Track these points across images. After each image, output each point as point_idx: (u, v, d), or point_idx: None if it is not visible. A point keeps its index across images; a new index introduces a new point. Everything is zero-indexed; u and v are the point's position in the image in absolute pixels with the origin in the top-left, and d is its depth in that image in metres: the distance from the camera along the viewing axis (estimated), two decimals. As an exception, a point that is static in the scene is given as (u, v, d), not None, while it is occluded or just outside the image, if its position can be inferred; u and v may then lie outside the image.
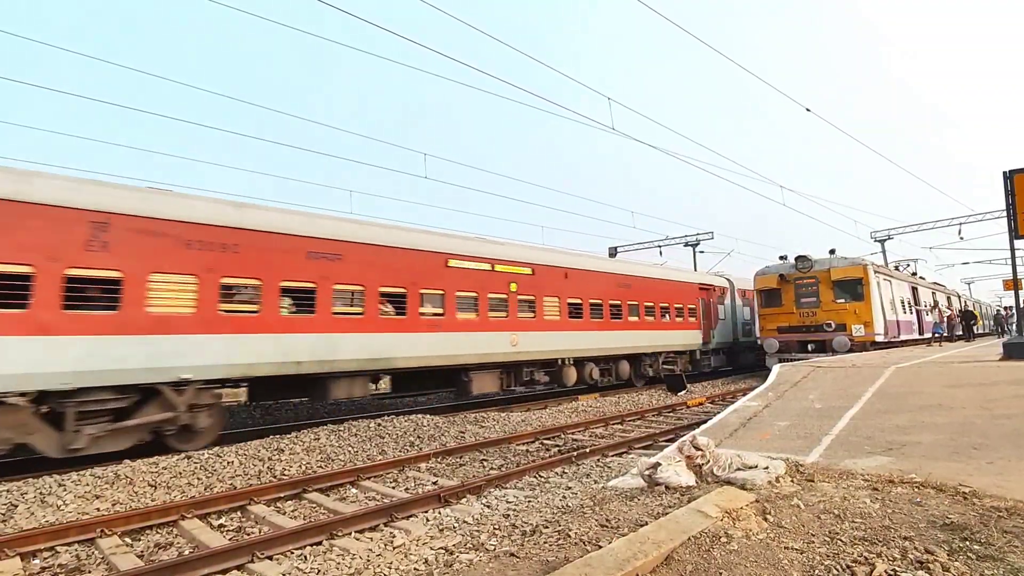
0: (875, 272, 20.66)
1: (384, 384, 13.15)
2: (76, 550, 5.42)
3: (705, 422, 8.85)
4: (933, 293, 30.08)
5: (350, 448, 9.32)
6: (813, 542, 3.58)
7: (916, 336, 24.60)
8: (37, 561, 5.20)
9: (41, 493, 6.67)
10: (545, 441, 10.30)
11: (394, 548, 4.85)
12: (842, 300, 20.32)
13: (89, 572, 5.02)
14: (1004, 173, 14.31)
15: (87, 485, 6.97)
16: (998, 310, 47.61)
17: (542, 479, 7.46)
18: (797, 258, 21.40)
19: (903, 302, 23.68)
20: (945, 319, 27.18)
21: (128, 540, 5.67)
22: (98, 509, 6.43)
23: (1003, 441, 6.08)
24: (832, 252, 21.60)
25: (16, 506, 6.31)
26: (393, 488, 7.44)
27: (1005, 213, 14.49)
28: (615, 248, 34.96)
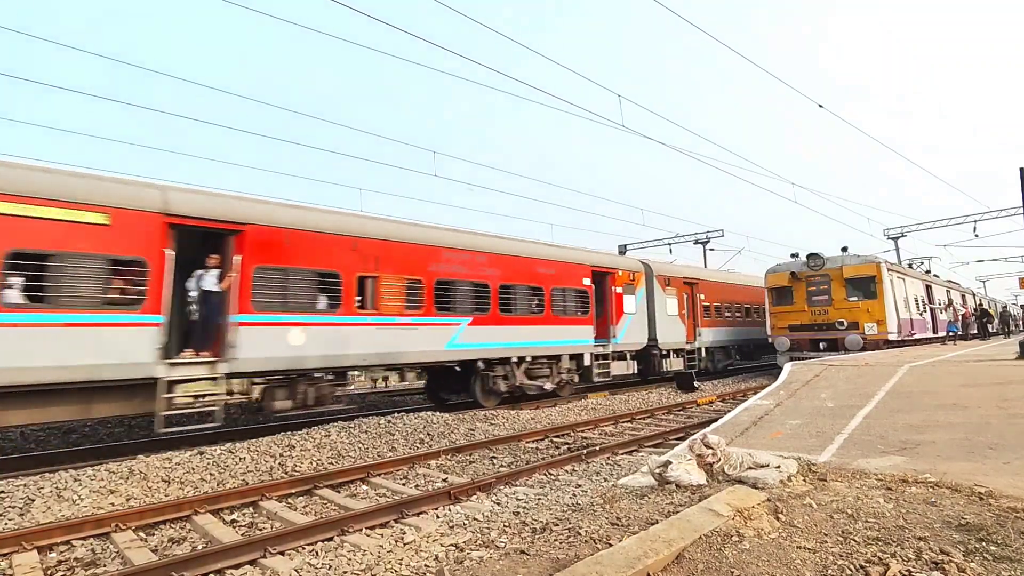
0: (888, 270, 20.39)
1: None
2: (91, 544, 5.50)
3: (716, 420, 8.80)
4: (947, 291, 29.70)
5: (360, 445, 9.36)
6: (826, 542, 3.55)
7: (930, 335, 24.29)
8: (54, 555, 5.28)
9: (57, 488, 6.76)
10: (555, 439, 10.30)
11: (405, 545, 4.86)
12: (854, 298, 20.09)
13: (104, 566, 5.09)
14: (1021, 169, 14.09)
15: (102, 480, 7.06)
16: (1004, 306, 46.89)
17: (552, 477, 7.46)
18: (809, 256, 21.18)
19: (917, 300, 23.39)
20: (960, 317, 26.83)
21: (142, 535, 5.74)
22: (113, 504, 6.52)
23: (1020, 441, 5.99)
24: (844, 250, 21.34)
25: (33, 500, 6.40)
26: (403, 485, 7.48)
27: (1023, 210, 14.28)
28: (624, 246, 34.82)
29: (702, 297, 22.03)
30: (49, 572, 4.93)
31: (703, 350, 21.82)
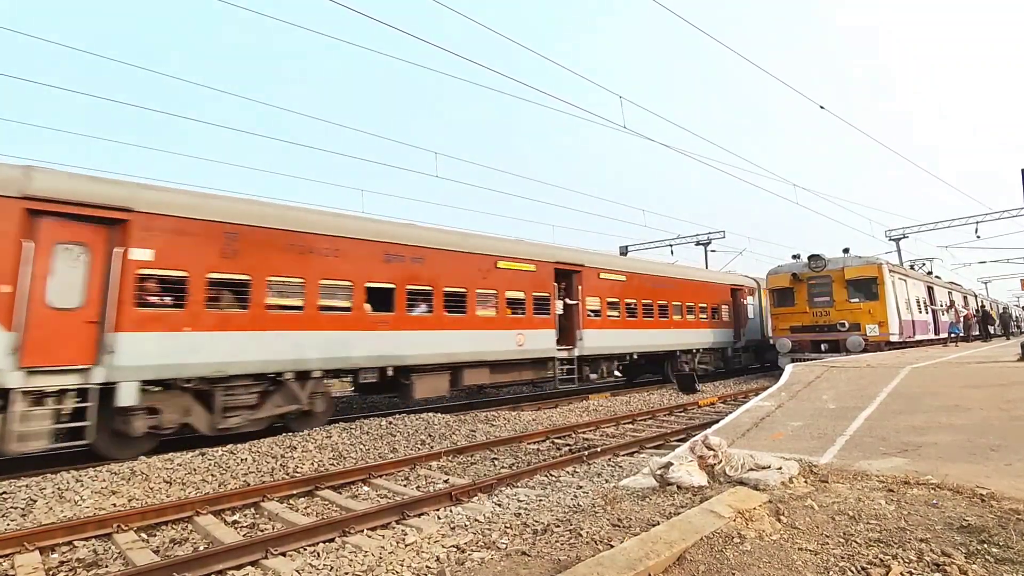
0: (890, 271, 20.39)
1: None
2: (93, 545, 5.51)
3: (717, 422, 8.79)
4: (949, 293, 29.68)
5: (362, 446, 9.37)
6: (827, 543, 3.55)
7: (932, 336, 24.27)
8: (55, 555, 5.29)
9: (59, 489, 6.77)
10: (556, 440, 10.29)
11: (406, 546, 4.87)
12: (856, 299, 20.10)
13: (106, 567, 5.09)
14: (1022, 170, 14.07)
15: (104, 481, 7.07)
16: (1004, 307, 46.84)
17: (553, 478, 7.46)
18: (810, 257, 21.18)
19: (918, 302, 23.37)
20: (961, 319, 26.81)
21: (144, 535, 5.74)
22: (114, 505, 6.53)
23: (1022, 443, 5.98)
24: (846, 251, 21.35)
25: (35, 501, 6.41)
26: (404, 486, 7.48)
27: (1024, 211, 14.26)
28: (626, 247, 34.82)
29: (144, 257, 8.46)
30: (51, 573, 4.94)
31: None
